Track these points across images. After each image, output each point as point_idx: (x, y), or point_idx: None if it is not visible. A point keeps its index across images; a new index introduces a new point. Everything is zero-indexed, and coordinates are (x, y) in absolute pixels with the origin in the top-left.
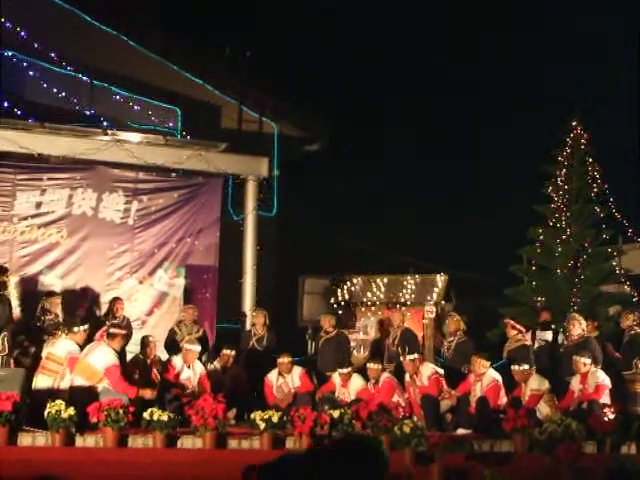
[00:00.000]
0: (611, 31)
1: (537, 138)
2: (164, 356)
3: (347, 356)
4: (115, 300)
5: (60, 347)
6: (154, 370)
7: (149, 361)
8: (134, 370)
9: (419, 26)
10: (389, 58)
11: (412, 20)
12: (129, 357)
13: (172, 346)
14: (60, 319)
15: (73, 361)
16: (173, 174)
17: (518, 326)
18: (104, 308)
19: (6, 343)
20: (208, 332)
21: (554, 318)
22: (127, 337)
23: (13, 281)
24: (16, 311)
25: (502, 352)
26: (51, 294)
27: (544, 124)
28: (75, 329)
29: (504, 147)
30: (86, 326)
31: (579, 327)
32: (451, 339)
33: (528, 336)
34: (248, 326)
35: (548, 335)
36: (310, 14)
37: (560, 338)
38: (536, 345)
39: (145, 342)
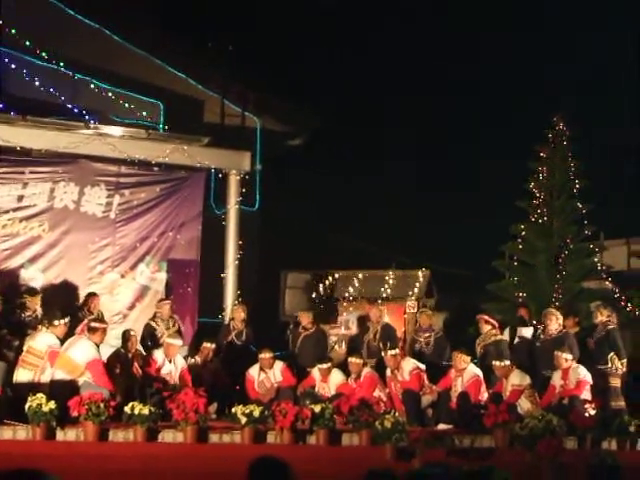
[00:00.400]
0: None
1: (520, 134)
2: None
3: (325, 352)
4: (91, 296)
5: (40, 341)
6: (135, 364)
7: (130, 355)
8: (115, 364)
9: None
10: (375, 52)
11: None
12: (108, 351)
13: (150, 341)
14: (38, 315)
15: (53, 355)
16: (155, 168)
17: (492, 321)
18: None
19: None
20: (189, 326)
21: (534, 314)
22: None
23: None
24: None
25: (475, 347)
26: (31, 292)
27: (528, 121)
28: (56, 322)
29: (486, 144)
30: (67, 319)
31: (556, 322)
32: (427, 334)
33: (506, 333)
34: (227, 320)
35: (528, 332)
36: (294, 9)
37: (538, 333)
38: (515, 341)
39: (126, 336)
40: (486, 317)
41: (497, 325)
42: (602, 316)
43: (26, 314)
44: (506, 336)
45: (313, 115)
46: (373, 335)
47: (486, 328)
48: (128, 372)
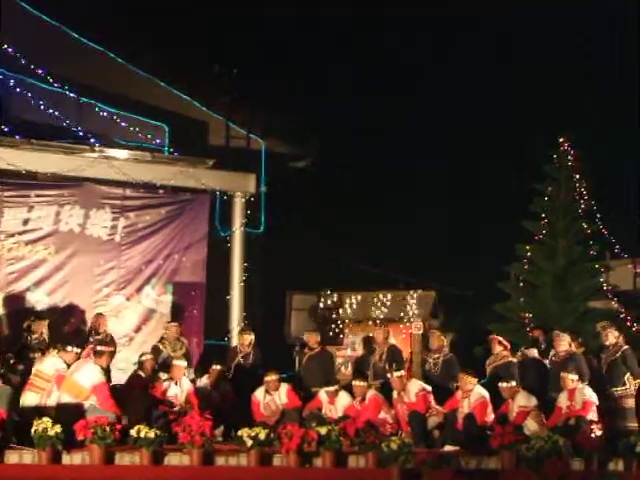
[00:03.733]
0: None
1: (525, 155)
2: None
3: (331, 373)
4: (98, 316)
5: (49, 364)
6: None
7: (147, 377)
8: (133, 387)
9: (413, 41)
10: (383, 73)
11: (405, 35)
12: (118, 375)
13: (156, 363)
14: (45, 339)
15: (61, 379)
16: (160, 191)
17: (504, 342)
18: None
19: None
20: (195, 348)
21: (543, 335)
22: (112, 354)
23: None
24: (2, 328)
25: (485, 368)
26: (38, 316)
27: (533, 142)
28: (68, 348)
29: (492, 163)
30: (79, 350)
31: (565, 344)
32: (436, 356)
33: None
34: (234, 342)
35: (534, 352)
36: (300, 32)
37: (549, 355)
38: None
39: (143, 360)
40: (499, 338)
41: (509, 347)
42: (613, 337)
43: (32, 337)
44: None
45: (318, 137)
46: (379, 356)
47: (498, 349)
48: (145, 395)
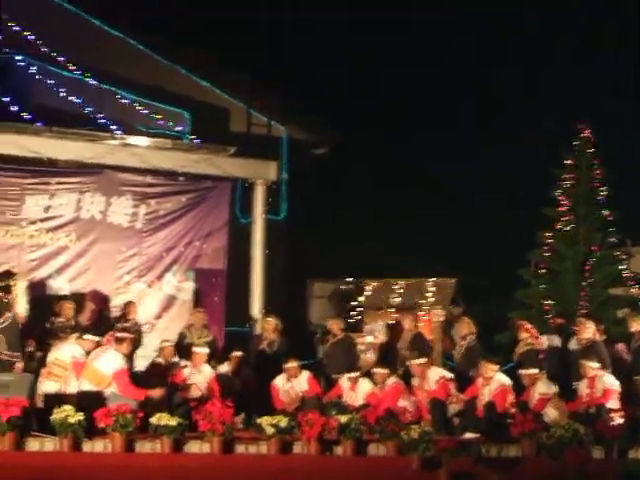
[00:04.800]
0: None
1: (546, 142)
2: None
3: (355, 360)
4: (129, 303)
5: (65, 351)
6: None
7: (165, 364)
8: (153, 375)
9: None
10: (399, 58)
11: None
12: (140, 361)
13: (182, 350)
14: (72, 322)
15: (78, 366)
16: (181, 178)
17: (532, 330)
18: (113, 312)
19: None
20: (217, 335)
21: (565, 323)
22: (136, 341)
23: (22, 285)
24: (22, 315)
25: (511, 355)
26: (63, 298)
27: (554, 128)
28: (86, 336)
29: (514, 150)
30: (98, 338)
31: (588, 331)
32: (462, 343)
33: (542, 339)
34: (258, 330)
35: (556, 340)
36: (320, 18)
37: (570, 342)
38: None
39: (162, 347)
40: (527, 325)
41: (535, 334)
42: (638, 325)
43: (57, 320)
44: (544, 343)
45: (339, 124)
46: (405, 344)
47: (524, 336)
48: (164, 383)
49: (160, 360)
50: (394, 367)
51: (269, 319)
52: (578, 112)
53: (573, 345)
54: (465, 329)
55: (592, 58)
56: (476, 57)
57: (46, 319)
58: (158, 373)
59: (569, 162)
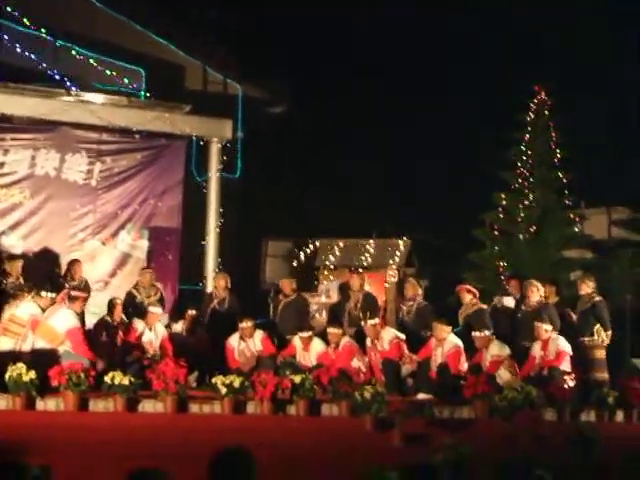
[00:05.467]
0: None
1: (502, 103)
2: None
3: (306, 320)
4: (73, 262)
5: (23, 309)
6: (120, 332)
7: (115, 323)
8: (101, 332)
9: None
10: (358, 17)
11: None
12: (91, 319)
13: (131, 309)
14: (21, 282)
15: (35, 324)
16: (137, 135)
17: (473, 290)
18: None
19: None
20: (170, 294)
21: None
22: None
23: None
24: None
25: (458, 318)
26: (12, 257)
27: (510, 90)
28: (43, 294)
29: (469, 111)
30: (54, 294)
31: (537, 293)
32: (410, 303)
33: (495, 300)
34: (210, 288)
35: (510, 301)
36: None
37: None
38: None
39: (112, 304)
40: (467, 287)
41: (478, 294)
42: (588, 288)
43: (8, 280)
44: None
45: (294, 82)
46: (354, 304)
47: (467, 298)
48: (113, 340)
49: (107, 318)
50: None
51: (220, 277)
52: (535, 73)
53: (522, 306)
54: (410, 290)
55: (549, 18)
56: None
57: None
58: (106, 330)
59: (525, 124)
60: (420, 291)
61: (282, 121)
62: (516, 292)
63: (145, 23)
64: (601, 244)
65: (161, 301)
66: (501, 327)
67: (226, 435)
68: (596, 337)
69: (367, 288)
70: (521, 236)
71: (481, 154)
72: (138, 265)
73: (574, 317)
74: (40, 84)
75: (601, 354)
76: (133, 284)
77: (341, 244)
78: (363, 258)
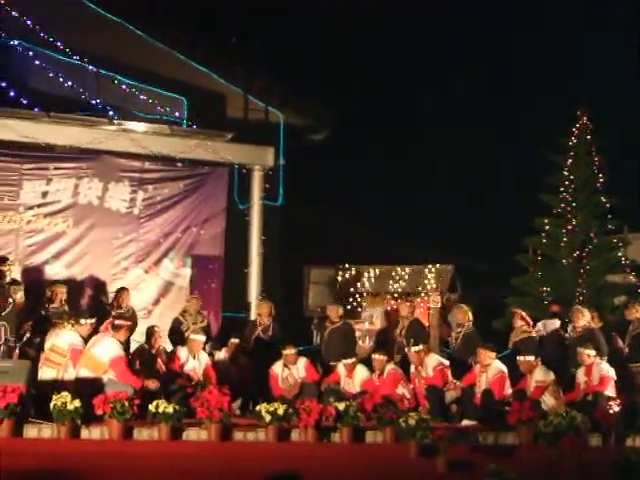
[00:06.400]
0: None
1: (544, 128)
2: (169, 346)
3: (352, 346)
4: (121, 290)
5: (63, 338)
6: (159, 360)
7: (154, 351)
8: (138, 360)
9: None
10: (399, 49)
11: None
12: (133, 346)
13: (177, 336)
14: (65, 308)
15: (75, 353)
16: (179, 164)
17: (527, 318)
18: (110, 297)
19: (2, 334)
20: (213, 321)
21: (562, 309)
22: (132, 328)
23: (18, 271)
24: (20, 301)
25: (507, 342)
26: (55, 283)
27: (552, 114)
28: (82, 321)
29: (512, 136)
30: (93, 320)
31: (583, 319)
32: (459, 330)
33: (539, 325)
34: (253, 316)
35: (556, 323)
36: (316, 5)
37: (567, 329)
38: (543, 333)
39: (150, 332)
40: (522, 313)
41: (531, 322)
42: (638, 313)
43: (52, 306)
44: (540, 330)
45: (335, 109)
46: (400, 330)
47: (519, 323)
48: (151, 368)
49: (145, 345)
50: (390, 354)
51: (264, 305)
52: (577, 98)
53: (569, 332)
54: (460, 316)
55: (590, 44)
56: (472, 40)
57: (42, 304)
58: (144, 359)
59: (567, 148)
60: (470, 317)
61: (323, 148)
62: (559, 317)
63: (186, 52)
64: None
65: (207, 328)
66: (547, 353)
67: (270, 463)
68: None
69: (415, 315)
70: (564, 261)
71: (524, 179)
72: (181, 293)
73: (620, 342)
74: (82, 113)
75: None
76: (180, 311)
77: (377, 270)
78: (397, 285)
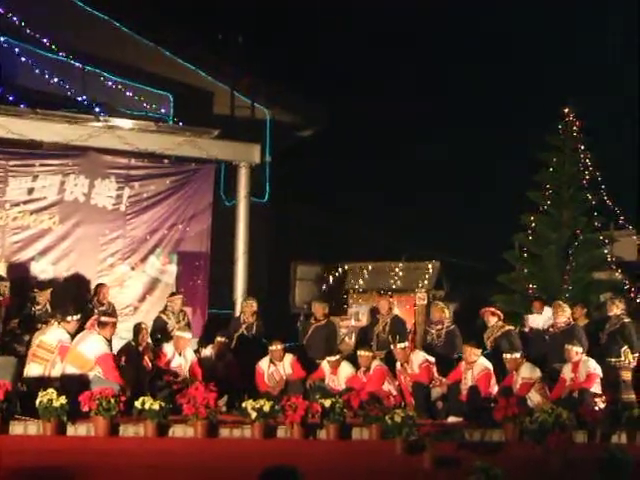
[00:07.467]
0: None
1: (530, 125)
2: None
3: (335, 344)
4: (100, 286)
5: (52, 335)
6: (146, 357)
7: (141, 348)
8: (125, 357)
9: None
10: (387, 41)
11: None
12: (119, 344)
13: (160, 334)
14: (48, 309)
15: (64, 350)
16: (165, 160)
17: (498, 312)
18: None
19: None
20: (199, 318)
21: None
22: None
23: (3, 268)
24: (6, 297)
25: (484, 341)
26: (40, 286)
27: (538, 112)
28: (68, 318)
29: (497, 133)
30: (78, 316)
31: (564, 315)
32: (439, 327)
33: (529, 320)
34: (237, 313)
35: (537, 320)
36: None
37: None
38: (525, 330)
39: (138, 329)
40: (492, 309)
41: (502, 316)
42: (617, 309)
43: (36, 308)
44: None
45: (323, 106)
46: (382, 327)
47: (493, 320)
48: (138, 365)
49: (133, 343)
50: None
51: (247, 303)
52: (563, 95)
53: (549, 328)
54: (437, 314)
55: (577, 43)
56: (465, 41)
57: (26, 306)
58: (131, 355)
59: (553, 145)
60: (447, 315)
61: (310, 145)
62: (540, 313)
63: (173, 49)
64: (631, 266)
65: (188, 326)
66: (530, 349)
67: (256, 459)
68: (623, 358)
69: (396, 311)
70: (550, 258)
71: (510, 176)
72: (167, 290)
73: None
74: (69, 110)
75: (628, 376)
76: (162, 309)
77: (370, 267)
78: (392, 281)
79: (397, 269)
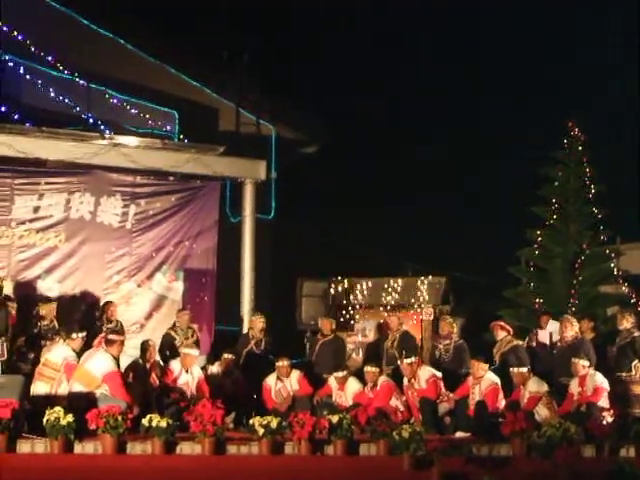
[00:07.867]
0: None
1: (535, 140)
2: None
3: (343, 360)
4: (108, 304)
5: (57, 353)
6: (153, 374)
7: (148, 365)
8: (132, 374)
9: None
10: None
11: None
12: (126, 361)
13: (169, 351)
14: (55, 325)
15: (69, 368)
16: (171, 178)
17: (507, 327)
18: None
19: (4, 349)
20: (206, 335)
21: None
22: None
23: (10, 286)
24: (13, 316)
25: (494, 356)
26: (46, 300)
27: (543, 127)
28: (73, 335)
29: (502, 149)
30: (84, 333)
31: (572, 329)
32: (447, 342)
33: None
34: (246, 329)
35: (545, 335)
36: (309, 19)
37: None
38: (532, 344)
39: (145, 346)
40: (501, 323)
41: (512, 331)
42: (627, 323)
43: (43, 324)
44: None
45: (327, 122)
46: (391, 343)
47: (501, 335)
48: (145, 383)
49: (141, 360)
50: (380, 366)
51: (256, 319)
52: (568, 110)
53: (557, 342)
54: (446, 328)
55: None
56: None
57: (33, 322)
58: (138, 373)
59: (558, 160)
60: (455, 329)
61: (315, 161)
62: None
63: (178, 66)
64: (637, 279)
65: (197, 343)
66: (538, 363)
67: (264, 476)
68: (634, 372)
69: (405, 327)
70: (557, 272)
71: (516, 191)
72: (173, 307)
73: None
74: (74, 128)
75: (638, 390)
76: (170, 325)
77: (370, 283)
78: (390, 298)
79: (395, 285)
